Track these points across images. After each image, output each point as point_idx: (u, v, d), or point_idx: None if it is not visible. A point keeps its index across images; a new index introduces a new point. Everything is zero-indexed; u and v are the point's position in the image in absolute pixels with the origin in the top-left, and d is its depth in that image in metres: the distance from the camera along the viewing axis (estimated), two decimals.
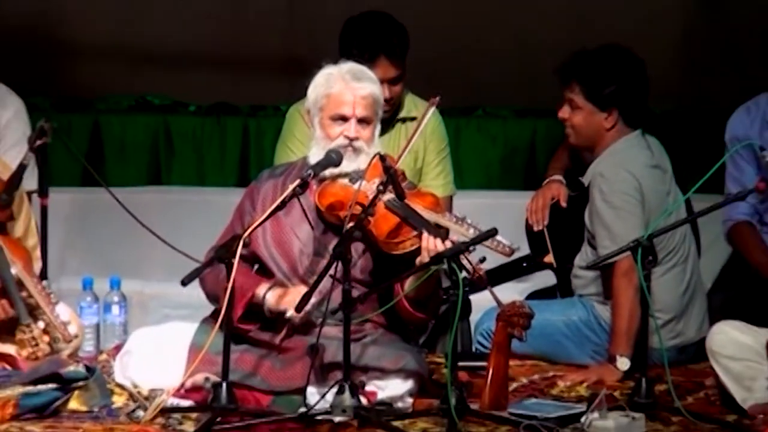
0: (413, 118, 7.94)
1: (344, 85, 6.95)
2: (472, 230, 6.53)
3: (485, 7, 9.94)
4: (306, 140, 7.42)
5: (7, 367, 6.95)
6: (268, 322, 6.84)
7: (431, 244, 6.54)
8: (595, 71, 7.55)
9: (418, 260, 6.62)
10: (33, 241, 7.41)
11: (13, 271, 7.04)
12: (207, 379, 6.63)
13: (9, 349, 7.02)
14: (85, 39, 10.00)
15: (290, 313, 6.67)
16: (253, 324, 6.77)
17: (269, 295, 6.74)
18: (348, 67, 7.08)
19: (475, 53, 9.78)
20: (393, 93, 7.75)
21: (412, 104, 8.04)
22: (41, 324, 6.99)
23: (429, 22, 9.15)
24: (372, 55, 7.68)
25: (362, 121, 6.90)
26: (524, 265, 7.25)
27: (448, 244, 6.52)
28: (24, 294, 7.02)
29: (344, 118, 6.90)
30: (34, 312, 7.03)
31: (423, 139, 7.79)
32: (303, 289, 6.69)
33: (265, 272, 7.00)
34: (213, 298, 6.86)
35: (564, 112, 7.57)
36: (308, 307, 6.62)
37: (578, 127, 7.58)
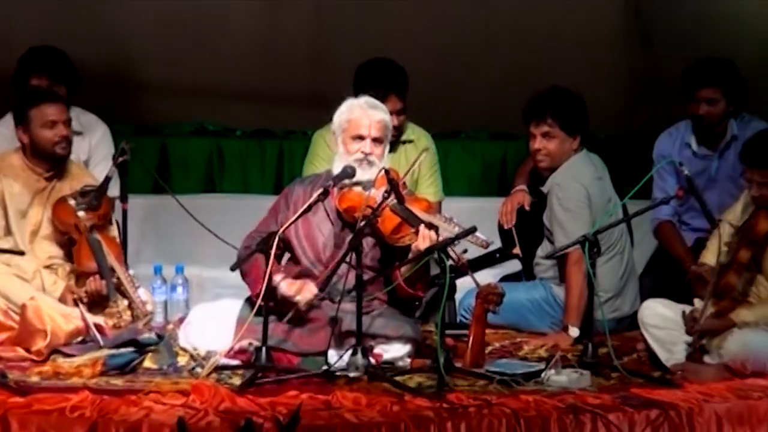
0: (411, 141, 8.00)
1: (362, 112, 6.99)
2: (456, 228, 6.58)
3: (464, 55, 9.91)
4: (326, 158, 7.49)
5: (97, 334, 6.90)
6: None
7: (425, 239, 6.61)
8: (565, 106, 7.53)
9: (413, 251, 6.68)
10: (114, 234, 7.44)
11: (108, 259, 7.09)
12: (250, 343, 6.70)
13: (99, 320, 7.00)
14: (155, 78, 9.95)
15: (299, 298, 6.73)
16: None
17: (283, 283, 6.77)
18: (365, 99, 7.12)
19: (459, 90, 9.74)
20: (399, 121, 7.79)
21: (410, 130, 8.07)
22: (125, 301, 7.05)
23: (424, 66, 9.10)
24: (384, 93, 7.67)
25: (375, 140, 6.94)
26: (497, 255, 7.18)
27: (438, 238, 6.58)
28: (115, 278, 7.08)
29: (361, 137, 6.93)
30: (120, 291, 7.07)
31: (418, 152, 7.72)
32: (312, 285, 6.78)
33: (295, 260, 7.03)
34: (243, 274, 6.87)
35: (539, 144, 7.54)
36: (312, 298, 6.75)
37: (554, 152, 7.54)
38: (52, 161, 7.28)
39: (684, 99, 8.03)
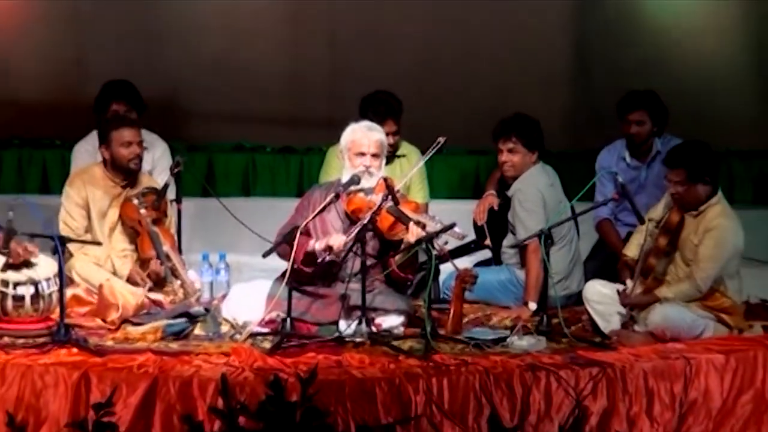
0: (404, 155, 7.99)
1: (363, 134, 6.98)
2: (439, 224, 6.57)
3: (448, 86, 9.88)
4: (338, 168, 7.44)
5: (157, 308, 6.96)
6: (317, 276, 6.86)
7: (414, 234, 6.62)
8: (525, 128, 7.50)
9: (405, 243, 6.69)
10: (172, 230, 7.44)
11: (165, 248, 7.11)
12: (278, 315, 6.70)
13: (159, 296, 7.04)
14: (202, 106, 9.92)
15: (332, 241, 6.67)
16: (310, 268, 6.74)
17: (317, 243, 6.74)
18: (365, 123, 7.13)
19: (443, 114, 9.67)
20: (394, 140, 7.77)
21: (404, 147, 8.05)
22: (178, 282, 7.05)
23: (416, 95, 9.06)
24: (383, 118, 7.64)
25: (374, 155, 6.93)
26: (472, 246, 7.19)
27: (424, 233, 6.58)
28: (170, 263, 7.08)
29: (363, 154, 6.93)
30: (174, 274, 7.07)
31: (410, 165, 7.75)
32: (341, 235, 6.74)
33: None
34: (282, 256, 6.79)
35: (505, 157, 7.50)
36: (342, 245, 6.68)
37: (517, 164, 7.49)
38: (126, 173, 7.29)
39: (619, 121, 8.03)
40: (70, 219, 7.29)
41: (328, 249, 6.69)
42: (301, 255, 6.72)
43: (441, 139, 6.95)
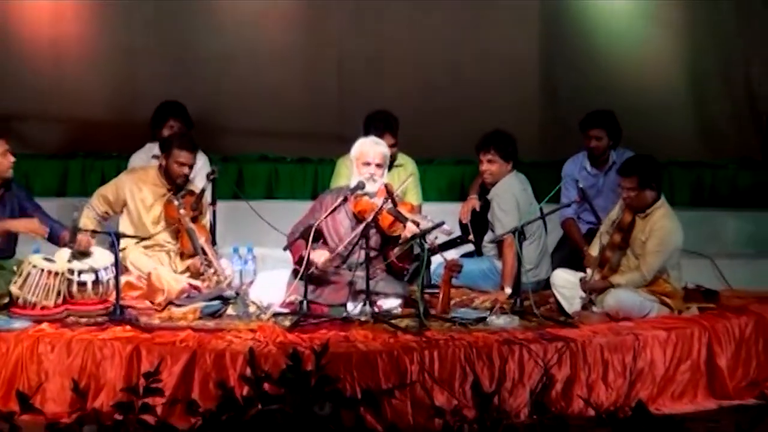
0: (401, 165, 7.93)
1: (369, 147, 7.00)
2: (430, 223, 6.61)
3: (438, 108, 9.82)
4: (345, 177, 7.47)
5: (196, 292, 6.96)
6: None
7: (410, 230, 6.66)
8: (502, 143, 7.47)
9: (402, 238, 6.73)
10: (205, 224, 7.40)
11: (200, 242, 7.07)
12: (296, 298, 6.70)
13: (197, 282, 7.03)
14: (235, 123, 9.89)
15: (314, 257, 6.66)
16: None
17: (304, 252, 6.63)
18: (371, 138, 7.14)
19: (434, 131, 9.65)
20: (392, 152, 7.71)
21: (401, 158, 7.99)
22: (212, 270, 7.01)
23: (412, 113, 9.02)
24: (382, 132, 7.58)
25: (378, 165, 6.93)
26: (458, 241, 7.13)
27: (418, 230, 6.61)
28: (205, 255, 7.05)
29: (368, 164, 6.93)
30: (209, 263, 7.02)
31: (406, 175, 7.72)
32: (326, 252, 6.76)
33: (325, 242, 6.97)
34: (293, 252, 6.81)
35: (486, 167, 7.45)
36: (324, 260, 6.70)
37: (495, 173, 7.44)
38: (173, 184, 7.25)
39: (581, 135, 8.05)
40: (103, 194, 7.26)
41: (313, 264, 6.65)
42: (296, 258, 6.71)
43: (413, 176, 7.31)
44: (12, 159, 6.78)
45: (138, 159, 8.05)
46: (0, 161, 6.74)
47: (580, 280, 6.87)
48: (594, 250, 7.04)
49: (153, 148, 7.89)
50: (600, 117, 8.01)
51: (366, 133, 7.44)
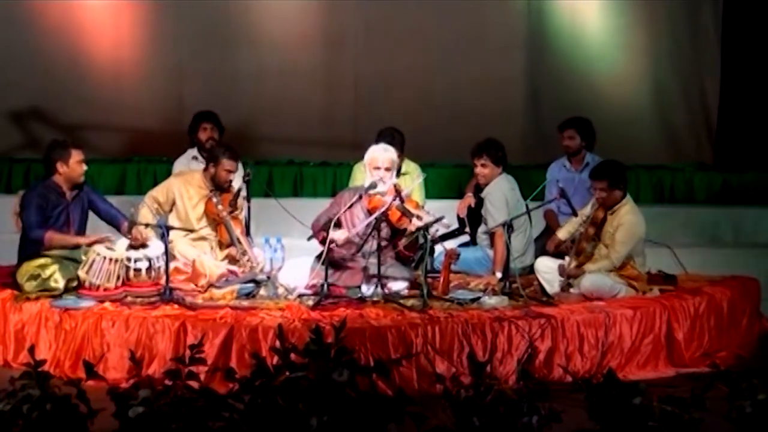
0: (407, 173, 7.87)
1: (379, 153, 6.95)
2: (432, 217, 6.58)
3: (438, 121, 9.79)
4: (360, 180, 7.42)
5: (233, 276, 6.90)
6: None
7: (415, 224, 6.63)
8: (493, 149, 7.41)
9: (408, 230, 6.71)
10: (241, 218, 7.30)
11: (236, 233, 7.03)
12: (318, 281, 6.65)
13: (234, 268, 6.96)
14: (266, 133, 9.88)
15: (333, 235, 6.59)
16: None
17: (330, 232, 6.58)
18: (381, 145, 7.11)
19: (435, 139, 9.62)
20: (399, 159, 7.72)
21: (406, 165, 7.94)
22: (247, 257, 6.97)
23: (417, 123, 9.10)
24: (390, 144, 7.43)
25: (387, 169, 6.88)
26: (456, 232, 7.08)
27: (421, 223, 6.58)
28: (240, 245, 7.01)
29: (378, 168, 6.89)
30: (244, 252, 6.99)
31: (411, 181, 7.70)
32: (344, 231, 6.72)
33: None
34: (318, 240, 6.75)
35: (479, 170, 7.40)
36: (341, 237, 6.67)
37: (488, 175, 7.38)
38: (217, 186, 7.18)
39: (558, 135, 8.05)
40: (155, 196, 7.18)
41: (332, 241, 6.59)
42: (320, 237, 6.67)
43: (420, 177, 7.30)
44: (84, 167, 6.81)
45: (180, 164, 8.05)
46: (75, 168, 6.76)
47: (559, 266, 6.84)
48: (561, 234, 7.04)
49: (192, 152, 7.96)
50: (573, 120, 8.04)
51: (378, 141, 7.41)
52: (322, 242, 6.62)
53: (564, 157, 8.11)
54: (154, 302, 6.38)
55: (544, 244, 7.65)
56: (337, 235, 6.69)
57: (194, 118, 8.07)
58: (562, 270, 6.81)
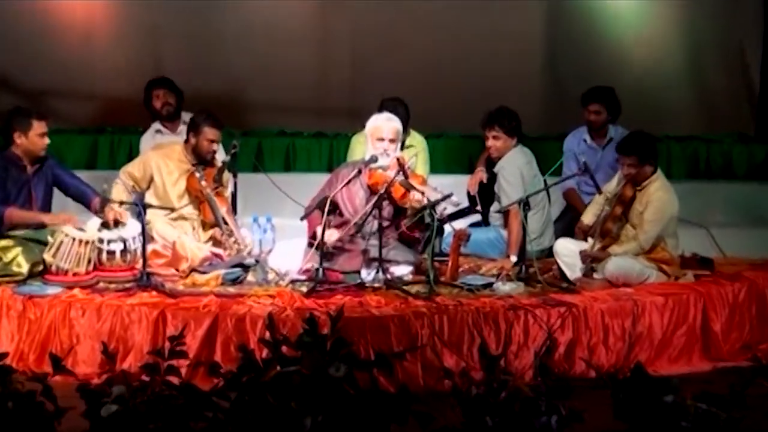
0: (411, 146, 7.83)
1: (382, 123, 6.98)
2: (440, 194, 6.59)
3: (447, 85, 9.73)
4: (360, 154, 7.40)
5: (218, 260, 6.94)
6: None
7: (420, 201, 6.64)
8: (506, 119, 7.42)
9: (410, 208, 6.72)
10: (227, 195, 7.35)
11: (221, 212, 7.06)
12: (312, 265, 6.67)
13: (219, 251, 7.00)
14: (255, 101, 9.84)
15: (326, 237, 6.63)
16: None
17: (318, 229, 6.65)
18: (385, 114, 7.13)
19: (444, 106, 9.58)
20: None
21: (411, 137, 7.93)
22: (233, 239, 7.01)
23: (422, 90, 9.07)
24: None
25: (391, 140, 6.92)
26: (466, 211, 7.08)
27: (428, 201, 6.60)
28: (226, 224, 7.04)
29: (382, 139, 6.92)
30: (230, 233, 7.02)
31: (415, 150, 7.70)
32: (335, 232, 6.74)
33: (340, 213, 6.96)
34: (309, 222, 6.81)
35: (491, 143, 7.43)
36: (333, 240, 6.69)
37: (500, 148, 7.41)
38: (200, 159, 7.23)
39: (582, 109, 8.06)
40: (130, 171, 7.23)
41: (322, 242, 6.59)
42: (310, 232, 6.67)
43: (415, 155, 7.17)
44: (47, 141, 6.84)
45: (145, 141, 8.15)
46: (35, 141, 6.79)
47: (580, 252, 6.82)
48: (587, 218, 7.02)
49: (155, 125, 8.12)
50: (599, 92, 8.02)
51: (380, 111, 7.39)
52: (313, 236, 6.64)
53: (583, 128, 8.12)
54: (129, 289, 6.39)
55: (564, 226, 7.71)
56: (327, 236, 6.70)
57: (145, 87, 8.19)
58: (584, 257, 6.80)
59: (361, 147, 7.55)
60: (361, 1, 9.92)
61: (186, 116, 7.85)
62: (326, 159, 9.59)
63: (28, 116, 6.80)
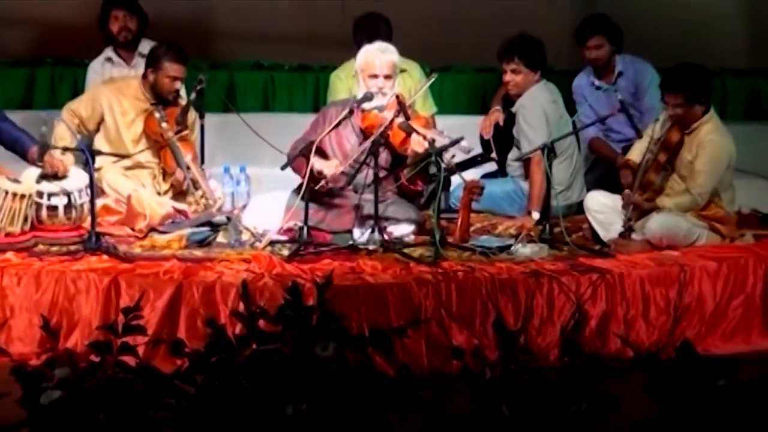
0: (405, 70, 7.74)
1: (375, 56, 6.93)
2: (447, 139, 6.56)
3: (457, 8, 9.69)
4: (342, 92, 7.44)
5: (182, 217, 6.96)
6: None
7: (422, 146, 6.60)
8: (528, 49, 7.45)
9: (411, 155, 6.72)
10: (192, 140, 7.38)
11: (186, 160, 7.08)
12: (295, 224, 6.69)
13: (183, 206, 7.03)
14: (225, 26, 9.85)
15: (326, 170, 6.66)
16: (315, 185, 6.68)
17: (317, 162, 6.63)
18: (378, 44, 7.07)
19: (451, 35, 9.58)
20: None
21: (403, 63, 7.61)
22: (200, 192, 7.02)
23: (427, 16, 9.13)
24: (371, 41, 7.23)
25: (386, 77, 6.87)
26: (478, 159, 7.19)
27: (433, 146, 6.54)
28: (191, 174, 7.05)
29: (376, 76, 6.87)
30: (196, 184, 7.04)
31: (412, 81, 7.74)
32: (337, 162, 6.75)
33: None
34: (296, 170, 6.78)
35: (509, 77, 7.46)
36: (335, 171, 6.68)
37: (520, 83, 7.45)
38: (161, 99, 7.24)
39: (579, 48, 8.04)
40: (75, 109, 7.30)
41: (322, 176, 6.64)
42: (303, 174, 6.69)
43: (434, 76, 7.02)
44: None
45: (93, 71, 8.15)
46: None
47: (624, 194, 6.77)
48: (634, 155, 7.00)
49: (107, 52, 8.09)
50: (595, 23, 8.03)
51: (356, 41, 7.41)
52: (305, 176, 6.63)
53: (588, 71, 8.13)
54: (74, 252, 6.39)
55: (595, 179, 7.73)
56: (326, 166, 6.71)
57: (102, 5, 8.16)
58: (627, 198, 6.74)
59: (342, 84, 7.58)
60: None
61: (144, 46, 7.86)
62: (311, 97, 9.60)
63: None
